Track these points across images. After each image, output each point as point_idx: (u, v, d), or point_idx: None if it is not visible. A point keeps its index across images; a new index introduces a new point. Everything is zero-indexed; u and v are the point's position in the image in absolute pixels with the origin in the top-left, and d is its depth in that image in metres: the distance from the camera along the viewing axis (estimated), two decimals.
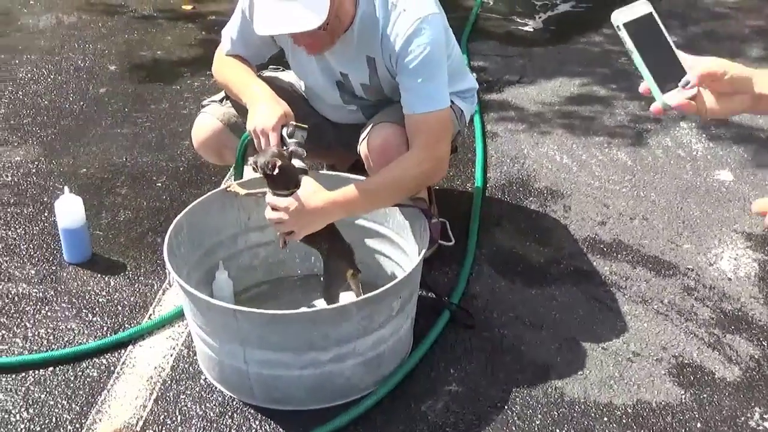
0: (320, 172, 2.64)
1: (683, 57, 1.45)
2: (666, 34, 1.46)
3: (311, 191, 2.33)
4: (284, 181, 2.32)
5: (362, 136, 2.64)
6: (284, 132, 2.45)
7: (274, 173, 2.28)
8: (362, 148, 2.63)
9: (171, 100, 3.88)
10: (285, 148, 2.43)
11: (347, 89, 2.70)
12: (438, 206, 2.96)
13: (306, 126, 2.47)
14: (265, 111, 2.48)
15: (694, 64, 1.43)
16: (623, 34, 1.43)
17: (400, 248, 2.66)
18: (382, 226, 2.69)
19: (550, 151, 3.54)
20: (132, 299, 2.79)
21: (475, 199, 3.18)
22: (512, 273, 2.85)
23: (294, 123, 2.46)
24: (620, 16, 1.43)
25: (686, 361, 2.51)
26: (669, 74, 1.44)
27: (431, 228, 2.51)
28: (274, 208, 2.32)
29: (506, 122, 3.73)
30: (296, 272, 2.81)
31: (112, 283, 2.85)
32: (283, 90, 2.78)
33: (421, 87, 2.48)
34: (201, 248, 2.62)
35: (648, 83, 1.44)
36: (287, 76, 2.91)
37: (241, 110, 2.67)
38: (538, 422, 2.32)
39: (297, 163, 2.40)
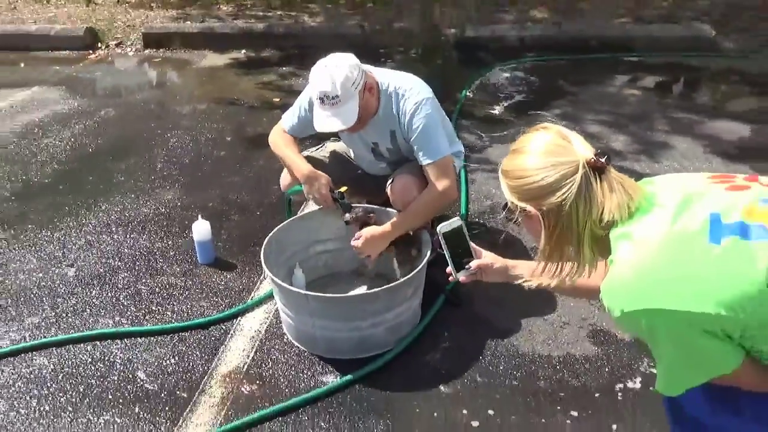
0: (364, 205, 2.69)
1: (476, 250, 1.70)
2: (467, 238, 1.69)
3: (373, 229, 2.49)
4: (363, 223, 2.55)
5: (389, 182, 2.65)
6: (336, 195, 2.56)
7: (370, 221, 2.55)
8: (389, 190, 2.64)
9: (265, 160, 3.90)
10: (336, 202, 2.56)
11: (377, 152, 2.72)
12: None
13: (346, 187, 2.59)
14: (315, 184, 2.57)
15: (479, 256, 1.70)
16: (441, 240, 1.65)
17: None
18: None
19: None
20: (241, 287, 2.81)
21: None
22: None
23: (340, 190, 2.57)
24: (442, 228, 1.65)
25: (598, 328, 2.50)
26: (464, 260, 1.69)
27: (433, 241, 2.52)
28: (358, 238, 2.49)
29: (482, 172, 3.73)
30: (345, 269, 2.81)
31: (228, 276, 2.88)
32: (341, 155, 2.85)
33: (425, 146, 2.47)
34: (284, 254, 2.65)
35: (450, 268, 1.69)
36: (341, 146, 2.93)
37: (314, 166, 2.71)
38: (501, 368, 2.32)
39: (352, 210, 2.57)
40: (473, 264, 1.69)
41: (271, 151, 2.79)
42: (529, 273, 1.63)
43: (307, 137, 2.85)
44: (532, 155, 1.34)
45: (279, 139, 2.75)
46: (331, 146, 2.92)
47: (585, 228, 1.30)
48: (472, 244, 1.71)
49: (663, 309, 1.18)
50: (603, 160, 1.30)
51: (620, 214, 1.28)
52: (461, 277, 1.70)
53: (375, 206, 2.64)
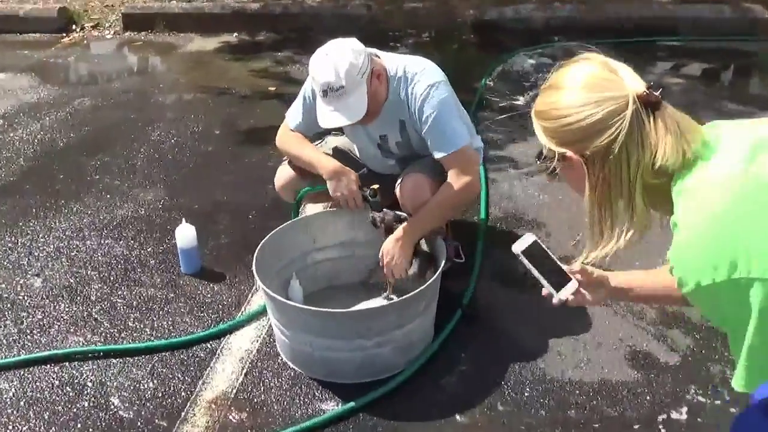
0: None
1: (563, 266, 1.54)
2: (550, 252, 1.54)
3: (386, 245, 2.45)
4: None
5: (398, 182, 2.61)
6: (367, 194, 2.50)
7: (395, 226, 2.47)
8: (397, 190, 2.60)
9: (259, 156, 3.90)
10: (366, 202, 2.51)
11: (385, 147, 2.68)
12: (453, 232, 2.93)
13: (377, 186, 2.52)
14: (344, 180, 2.51)
15: (572, 269, 1.53)
16: (522, 259, 1.52)
17: None
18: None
19: (534, 192, 3.50)
20: (229, 300, 2.78)
21: (480, 228, 3.14)
22: (508, 283, 2.80)
23: (373, 187, 2.50)
24: (517, 247, 1.52)
25: (638, 350, 2.46)
26: (557, 279, 1.53)
27: (448, 248, 2.48)
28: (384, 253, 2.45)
29: (503, 171, 3.70)
30: (349, 280, 2.77)
31: (216, 288, 2.85)
32: (344, 152, 2.82)
33: (440, 136, 2.43)
34: (280, 263, 2.61)
35: (547, 288, 1.52)
36: (344, 141, 2.90)
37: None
38: (527, 394, 2.28)
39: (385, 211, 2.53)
40: (577, 268, 1.53)
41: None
42: (615, 279, 1.55)
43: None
44: (572, 91, 1.26)
45: (289, 138, 2.71)
46: (332, 142, 2.89)
47: (636, 175, 1.23)
48: (559, 261, 1.57)
49: (749, 278, 1.10)
50: (657, 93, 1.23)
51: (676, 159, 1.21)
52: (564, 296, 1.54)
53: (406, 214, 2.60)
